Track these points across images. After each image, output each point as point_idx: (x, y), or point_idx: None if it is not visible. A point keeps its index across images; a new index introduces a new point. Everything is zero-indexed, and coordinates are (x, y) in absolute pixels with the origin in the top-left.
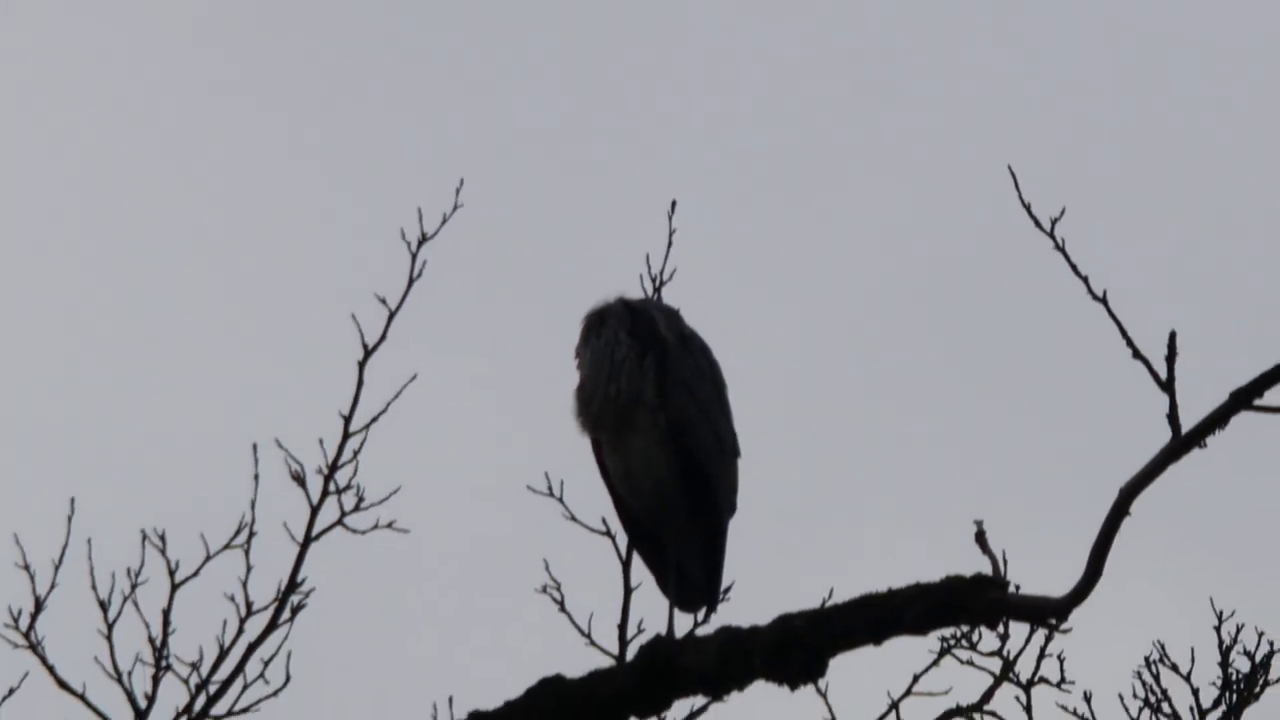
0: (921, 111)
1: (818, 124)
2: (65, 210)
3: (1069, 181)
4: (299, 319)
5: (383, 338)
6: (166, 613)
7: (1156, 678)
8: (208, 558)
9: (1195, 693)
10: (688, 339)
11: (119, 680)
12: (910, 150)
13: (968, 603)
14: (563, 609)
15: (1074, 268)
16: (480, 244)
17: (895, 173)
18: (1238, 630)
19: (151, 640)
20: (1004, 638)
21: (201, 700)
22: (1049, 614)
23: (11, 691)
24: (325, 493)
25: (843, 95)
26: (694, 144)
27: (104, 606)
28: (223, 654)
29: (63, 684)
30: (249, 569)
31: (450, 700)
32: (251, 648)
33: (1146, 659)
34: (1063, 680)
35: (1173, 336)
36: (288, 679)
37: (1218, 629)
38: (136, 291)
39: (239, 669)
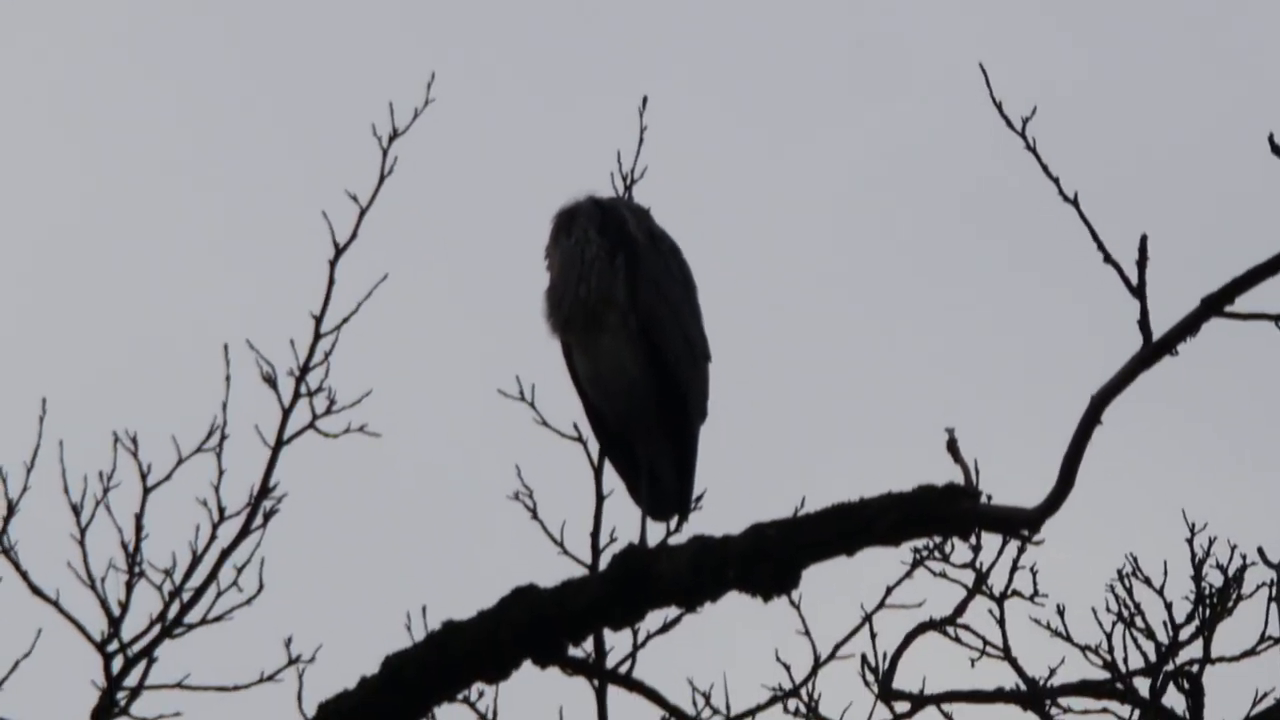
0: (894, 10)
1: (793, 22)
2: (41, 113)
3: (1041, 82)
4: (269, 217)
5: (353, 236)
6: (139, 517)
7: (1130, 591)
8: (180, 461)
9: (1168, 606)
10: (658, 239)
11: (92, 587)
12: (883, 49)
13: (940, 512)
14: (535, 516)
15: (1045, 169)
16: (451, 140)
17: (869, 73)
18: (1210, 543)
19: (124, 546)
20: (976, 550)
21: (175, 608)
22: (1021, 525)
23: None
24: (297, 395)
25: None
26: (666, 39)
27: (76, 511)
28: (195, 560)
29: (37, 590)
30: (221, 473)
31: (424, 609)
32: (224, 554)
33: (1119, 572)
34: (1035, 593)
35: (1144, 240)
36: (261, 586)
37: (1190, 541)
38: (108, 192)
39: (212, 576)
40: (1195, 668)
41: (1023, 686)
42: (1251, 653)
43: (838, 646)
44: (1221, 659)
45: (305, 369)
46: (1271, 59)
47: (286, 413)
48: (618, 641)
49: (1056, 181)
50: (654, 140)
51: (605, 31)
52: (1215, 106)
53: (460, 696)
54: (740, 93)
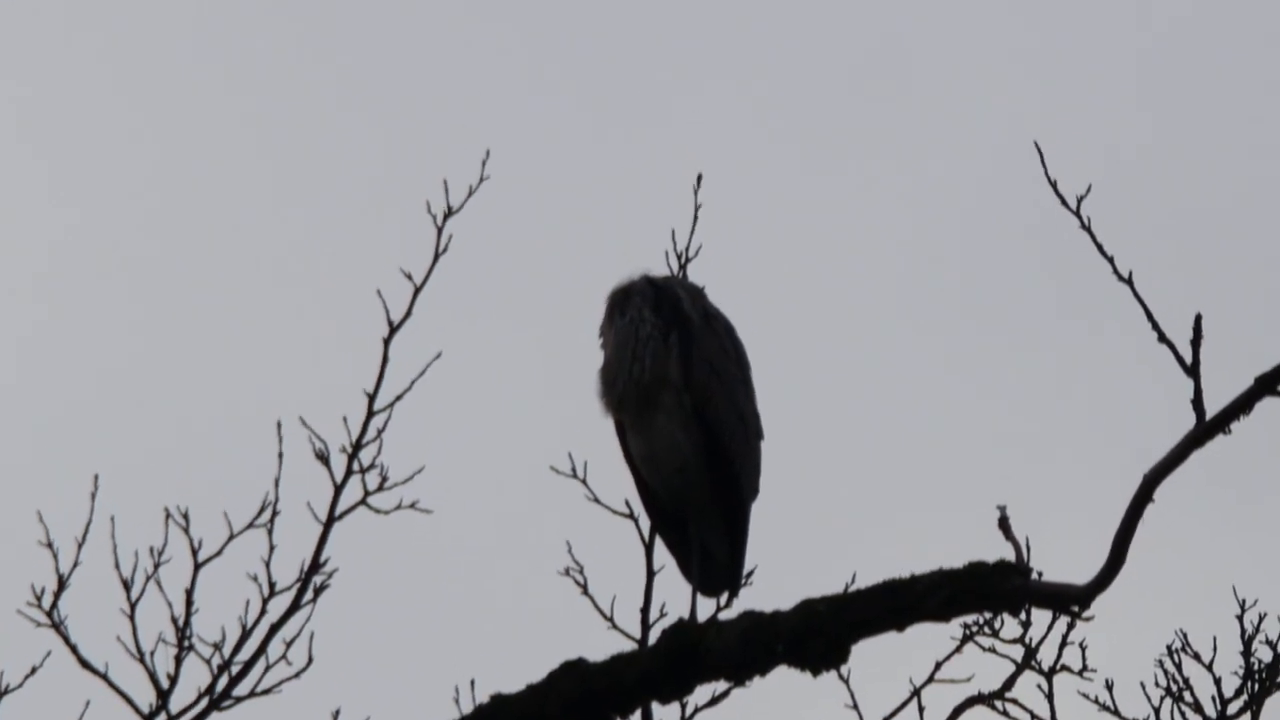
0: (947, 88)
1: (843, 100)
2: (91, 184)
3: (1096, 160)
4: (324, 295)
5: (408, 314)
6: (189, 592)
7: (1179, 666)
8: (231, 537)
9: (1217, 682)
10: (712, 318)
11: (141, 660)
12: (937, 129)
13: (991, 589)
14: (585, 592)
15: (1099, 247)
16: (506, 219)
17: (922, 152)
18: (1260, 619)
19: (174, 620)
20: (1026, 625)
21: (224, 681)
22: (1071, 601)
23: (34, 670)
24: (349, 471)
25: (865, 69)
26: (720, 119)
27: (127, 586)
28: (245, 634)
29: (85, 664)
30: (272, 548)
31: (472, 683)
32: (274, 628)
33: (1169, 647)
34: (1084, 668)
35: (1198, 320)
36: (310, 660)
37: (1240, 618)
38: (163, 268)
39: (261, 649)
40: None
41: None
42: None
43: None
44: None
45: (358, 446)
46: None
47: (339, 489)
48: (666, 715)
49: (1111, 261)
50: (708, 218)
51: (660, 111)
52: (1269, 182)
53: None
54: (792, 168)
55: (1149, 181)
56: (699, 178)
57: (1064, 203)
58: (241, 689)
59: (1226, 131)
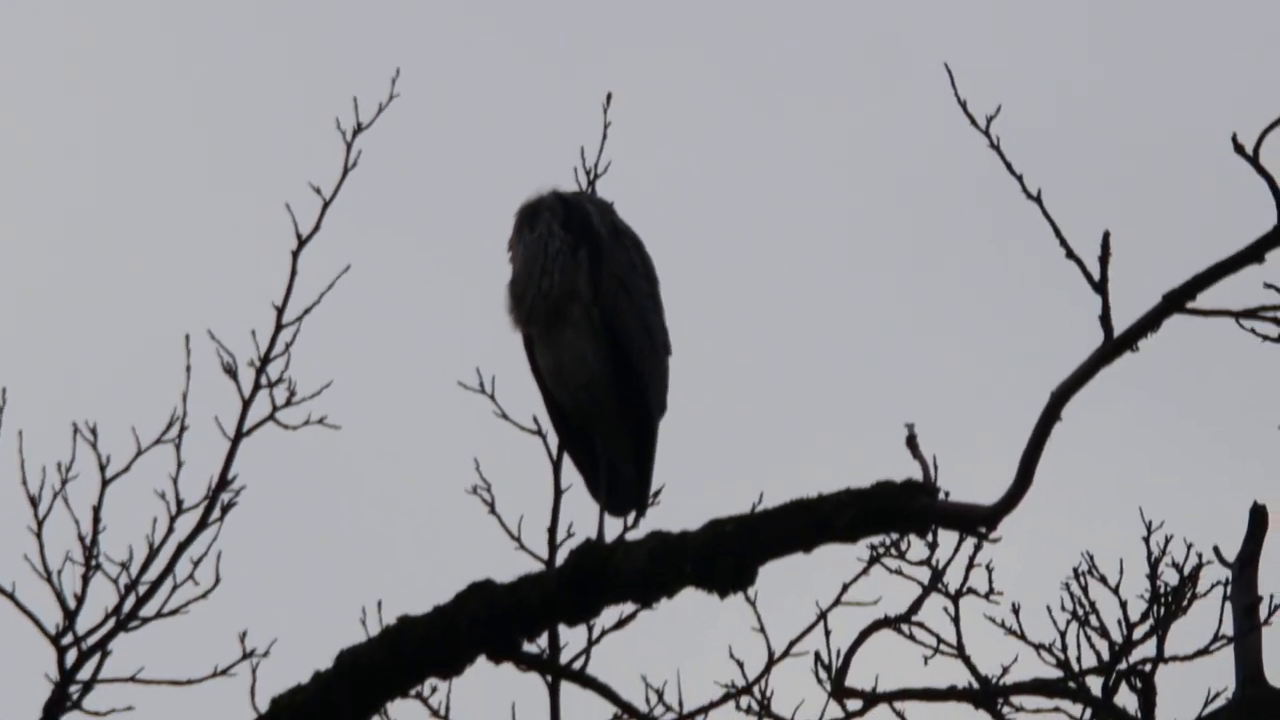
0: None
1: (762, 22)
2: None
3: (1005, 80)
4: (232, 209)
5: (316, 227)
6: (97, 509)
7: (1085, 589)
8: (139, 452)
9: (1123, 605)
10: (621, 233)
11: (48, 579)
12: (848, 48)
13: (898, 508)
14: (493, 511)
15: (1008, 165)
16: (415, 134)
17: (832, 68)
18: (1167, 541)
19: (81, 538)
20: (933, 547)
21: (131, 601)
22: (978, 522)
23: None
24: (257, 386)
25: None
26: (631, 34)
27: (34, 502)
28: (152, 553)
29: None
30: (180, 464)
31: (379, 604)
32: (181, 547)
33: (1075, 570)
34: (991, 591)
35: (1106, 236)
36: (217, 580)
37: (1146, 540)
38: (69, 181)
39: (168, 569)
40: (1148, 667)
41: (976, 685)
42: (1205, 652)
43: (792, 644)
44: (1175, 658)
45: (266, 360)
46: (1240, 59)
47: (246, 404)
48: (572, 637)
49: (1020, 179)
50: (617, 135)
51: (568, 26)
52: (1181, 106)
53: (414, 692)
54: (704, 87)
55: (1061, 110)
56: (608, 96)
57: (973, 122)
58: (149, 609)
59: (1146, 56)
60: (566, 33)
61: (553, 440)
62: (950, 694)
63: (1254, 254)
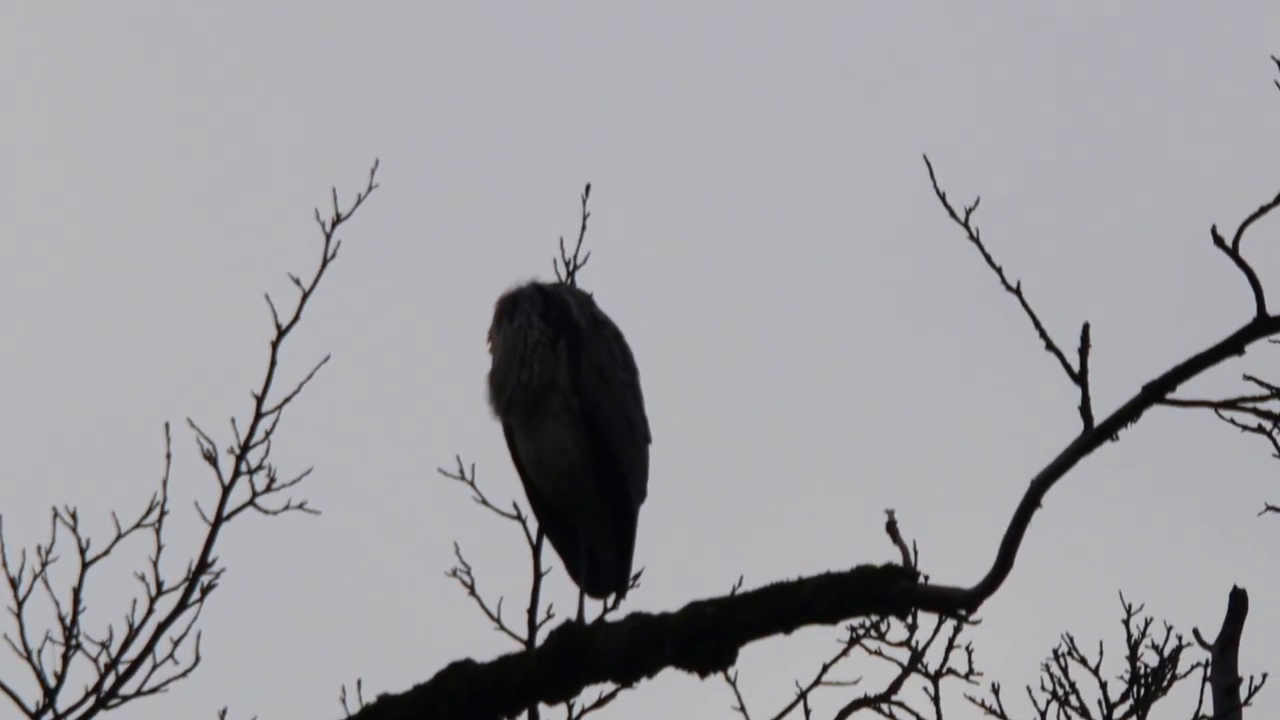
0: (836, 97)
1: (732, 112)
2: None
3: (985, 174)
4: (213, 299)
5: (296, 318)
6: (77, 591)
7: (1065, 670)
8: (119, 536)
9: (1103, 686)
10: (601, 324)
11: (28, 658)
12: (825, 140)
13: (878, 592)
14: (473, 593)
15: (988, 258)
16: (395, 226)
17: (812, 161)
18: (1146, 624)
19: (61, 619)
20: (913, 628)
21: (111, 679)
22: (959, 605)
23: None
24: (237, 472)
25: (759, 80)
26: (609, 128)
27: (14, 584)
28: (132, 633)
29: None
30: (160, 548)
31: (359, 683)
32: (161, 627)
33: (1055, 651)
34: (971, 671)
35: (1086, 328)
36: (197, 659)
37: (1126, 623)
38: (52, 268)
39: (148, 648)
40: None
41: None
42: None
43: None
44: None
45: (246, 447)
46: (1223, 148)
47: (226, 490)
48: (552, 716)
49: (999, 271)
50: (596, 225)
51: (549, 118)
52: (1165, 192)
53: None
54: (682, 180)
55: (1048, 194)
56: (587, 187)
57: (953, 214)
58: (128, 688)
59: (1127, 147)
60: (545, 122)
61: (532, 524)
62: None
63: (1234, 346)
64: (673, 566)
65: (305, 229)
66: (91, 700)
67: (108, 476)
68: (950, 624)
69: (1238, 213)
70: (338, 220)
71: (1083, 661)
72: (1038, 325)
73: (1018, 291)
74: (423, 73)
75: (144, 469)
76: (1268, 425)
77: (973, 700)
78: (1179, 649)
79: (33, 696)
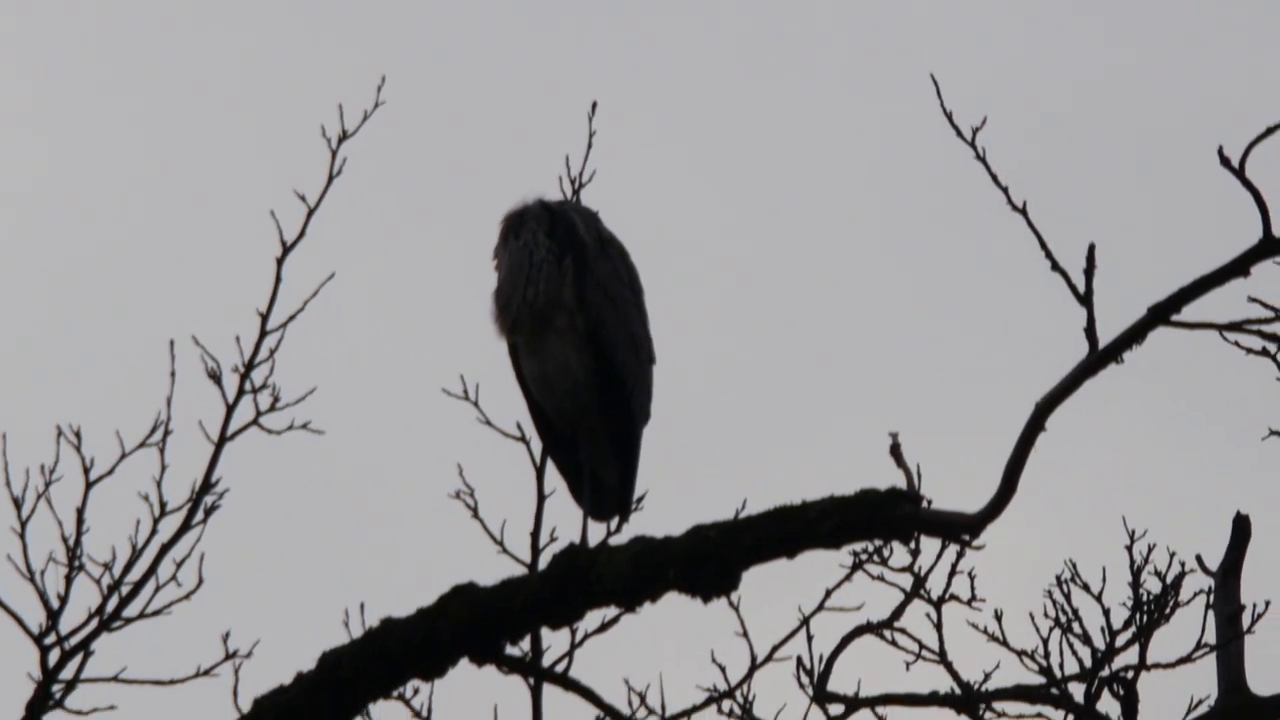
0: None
1: (741, 25)
2: None
3: (992, 92)
4: (218, 215)
5: (301, 234)
6: (80, 511)
7: (1068, 597)
8: (123, 455)
9: (1106, 613)
10: (606, 242)
11: (31, 579)
12: (831, 56)
13: (881, 516)
14: (476, 515)
15: (994, 177)
16: (400, 143)
17: (819, 77)
18: (1149, 550)
19: (65, 539)
20: (916, 554)
21: (114, 601)
22: (961, 530)
23: None
24: (241, 391)
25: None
26: (615, 44)
27: (17, 504)
28: (136, 554)
29: None
30: (164, 468)
31: (362, 606)
32: (164, 548)
33: (1058, 578)
34: (973, 598)
35: (1091, 249)
36: (200, 581)
37: (1129, 548)
38: (55, 186)
39: (151, 570)
40: (1130, 674)
41: (958, 690)
42: (1187, 660)
43: (775, 648)
44: (1157, 665)
45: (250, 366)
46: (1229, 71)
47: (230, 409)
48: (555, 641)
49: (1005, 191)
50: (602, 143)
51: (555, 34)
52: (1169, 118)
53: (396, 694)
54: (690, 95)
55: (1048, 122)
56: (593, 105)
57: (959, 134)
58: (132, 609)
59: (1135, 67)
60: (551, 39)
61: (536, 446)
62: (932, 699)
63: (1239, 267)
64: (676, 490)
65: (311, 146)
66: (95, 622)
67: (112, 395)
68: (953, 549)
69: (1246, 134)
70: (344, 137)
71: (1085, 588)
72: (1043, 245)
73: (1023, 211)
74: None
75: (148, 387)
76: (1272, 348)
77: (975, 627)
78: (1182, 575)
79: (36, 618)
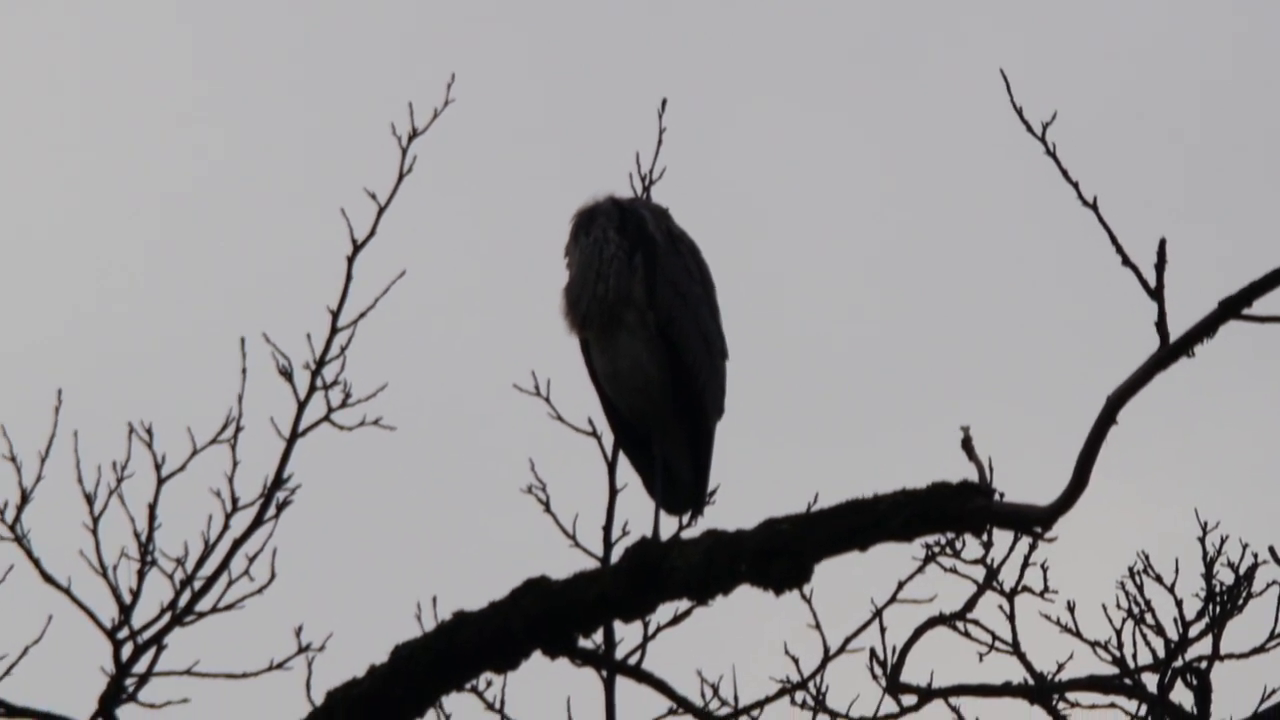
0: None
1: (814, 24)
2: (58, 106)
3: (1063, 88)
4: (289, 213)
5: (372, 233)
6: (152, 507)
7: (1140, 588)
8: (194, 452)
9: (1179, 604)
10: (677, 238)
11: (104, 575)
12: (904, 56)
13: (953, 510)
14: (548, 509)
15: (1064, 173)
16: (471, 140)
17: (889, 77)
18: (1222, 541)
19: (137, 535)
20: (988, 546)
21: (186, 596)
22: (1034, 522)
23: None
24: (312, 388)
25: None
26: (686, 41)
27: (90, 500)
28: (208, 550)
29: (48, 578)
30: (235, 464)
31: (434, 600)
32: (237, 544)
33: (1130, 569)
34: (1046, 589)
35: (1162, 244)
36: (273, 576)
37: (1202, 540)
38: (129, 184)
39: (224, 565)
40: (1204, 664)
41: (1031, 681)
42: (1260, 650)
43: (848, 640)
44: (1230, 656)
45: (321, 362)
46: None
47: (302, 405)
48: (628, 633)
49: (1076, 186)
50: (673, 140)
51: (627, 31)
52: (1239, 112)
53: (468, 686)
54: (759, 92)
55: (1117, 115)
56: (664, 102)
57: (1029, 129)
58: (204, 604)
59: (1200, 59)
60: (623, 39)
61: (608, 441)
62: (1005, 690)
63: None
64: (749, 484)
65: (382, 144)
66: (167, 617)
67: (184, 392)
68: (1025, 542)
69: None
70: (414, 135)
71: (1158, 579)
72: (1114, 240)
73: (1094, 207)
74: None
75: (220, 384)
76: None
77: (1048, 618)
78: (1255, 567)
79: (108, 613)
